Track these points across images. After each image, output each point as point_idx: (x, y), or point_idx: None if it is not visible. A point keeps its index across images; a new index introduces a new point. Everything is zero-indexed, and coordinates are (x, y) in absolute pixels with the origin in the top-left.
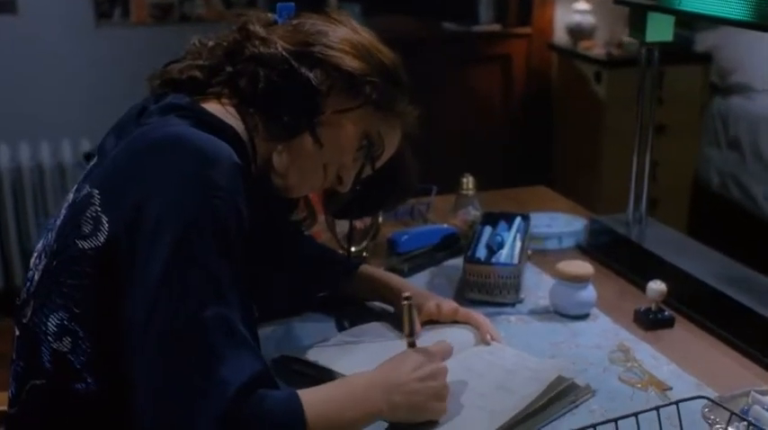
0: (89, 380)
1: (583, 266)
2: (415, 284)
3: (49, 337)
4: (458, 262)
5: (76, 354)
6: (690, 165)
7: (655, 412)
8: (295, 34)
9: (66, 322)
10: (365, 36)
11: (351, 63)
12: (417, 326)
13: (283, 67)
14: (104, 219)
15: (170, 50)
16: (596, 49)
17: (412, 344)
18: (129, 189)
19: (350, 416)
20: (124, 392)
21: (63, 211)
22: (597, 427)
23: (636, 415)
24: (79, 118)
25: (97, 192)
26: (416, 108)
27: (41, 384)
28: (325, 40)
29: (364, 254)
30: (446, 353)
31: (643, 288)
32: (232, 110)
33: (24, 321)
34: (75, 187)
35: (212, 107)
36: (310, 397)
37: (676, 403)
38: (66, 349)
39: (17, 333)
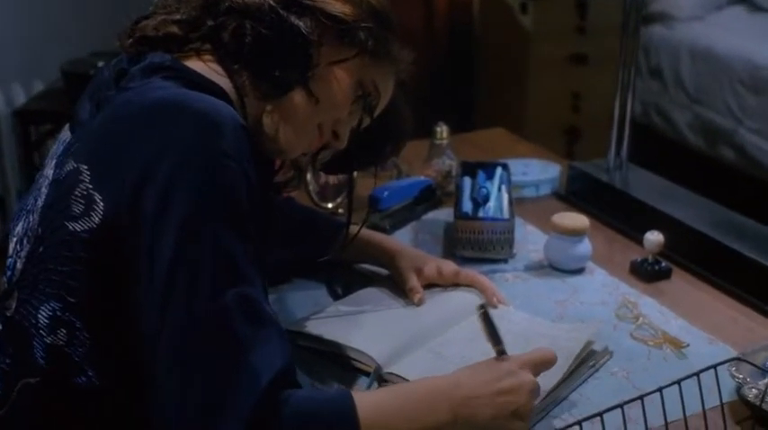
0: (90, 373)
1: (578, 219)
2: (401, 241)
3: (41, 331)
4: (437, 215)
5: (74, 347)
6: (613, 94)
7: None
8: None
9: (59, 313)
10: None
11: (341, 8)
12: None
13: (270, 18)
14: (97, 198)
15: None
16: None
17: (501, 352)
18: (124, 162)
19: (411, 425)
20: (130, 382)
21: (44, 190)
22: (644, 398)
23: (679, 382)
24: None
25: (85, 167)
26: (411, 52)
27: (35, 382)
28: None
29: (339, 210)
30: (543, 362)
31: (632, 237)
32: (216, 67)
33: (8, 314)
34: (53, 162)
35: (195, 65)
36: (362, 400)
37: (714, 367)
38: (62, 342)
39: None
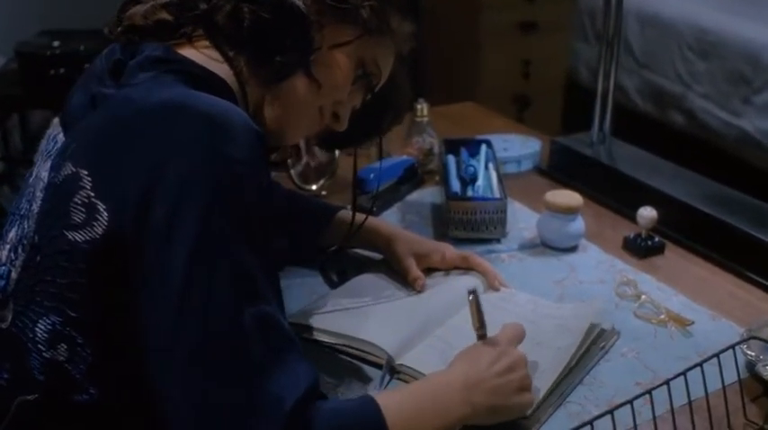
0: (92, 391)
1: (572, 196)
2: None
3: (39, 346)
4: (421, 194)
5: (75, 363)
6: (562, 61)
7: (695, 355)
8: None
9: (59, 327)
10: None
11: None
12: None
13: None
14: (100, 207)
15: None
16: None
17: (482, 337)
18: (128, 170)
19: (432, 425)
20: (134, 400)
21: (38, 194)
22: (670, 382)
23: (701, 364)
24: None
25: (86, 172)
26: (411, 22)
27: (33, 399)
28: None
29: (323, 193)
30: (518, 336)
31: (620, 212)
32: (212, 53)
33: (4, 327)
34: (48, 164)
35: (190, 54)
36: (385, 403)
37: (732, 347)
38: (62, 358)
39: None
